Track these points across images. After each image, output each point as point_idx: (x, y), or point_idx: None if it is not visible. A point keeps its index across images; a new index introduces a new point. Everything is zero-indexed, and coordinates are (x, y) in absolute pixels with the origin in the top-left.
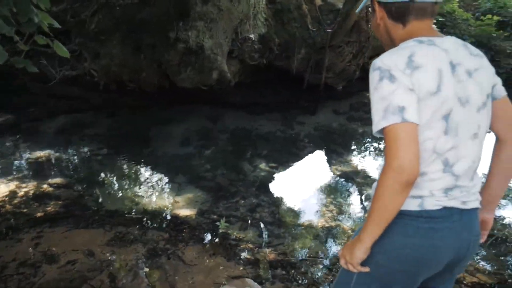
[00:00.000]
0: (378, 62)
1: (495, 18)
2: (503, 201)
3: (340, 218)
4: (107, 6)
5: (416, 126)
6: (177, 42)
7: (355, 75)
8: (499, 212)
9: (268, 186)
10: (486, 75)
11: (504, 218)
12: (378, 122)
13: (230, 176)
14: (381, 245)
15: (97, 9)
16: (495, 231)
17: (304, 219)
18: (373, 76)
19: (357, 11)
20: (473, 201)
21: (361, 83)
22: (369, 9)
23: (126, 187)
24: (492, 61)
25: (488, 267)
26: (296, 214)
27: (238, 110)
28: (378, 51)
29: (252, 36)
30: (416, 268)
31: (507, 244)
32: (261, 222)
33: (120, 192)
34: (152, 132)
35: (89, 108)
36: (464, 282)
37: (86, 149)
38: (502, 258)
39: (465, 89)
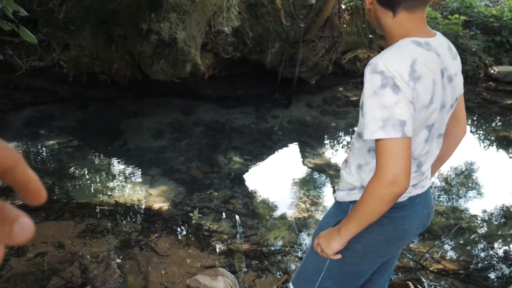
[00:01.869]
0: (380, 65)
1: (462, 17)
2: (469, 194)
3: (313, 210)
4: None
5: (411, 140)
6: (150, 33)
7: (328, 70)
8: (464, 203)
9: (242, 178)
10: (461, 79)
11: (469, 209)
12: (376, 131)
13: (204, 168)
14: (359, 236)
15: None
16: (461, 221)
17: (278, 210)
18: (374, 79)
19: None
20: (428, 182)
21: (334, 77)
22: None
23: (98, 180)
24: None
25: (453, 255)
26: (269, 205)
27: (212, 103)
28: (350, 47)
29: (225, 29)
30: (386, 250)
31: (471, 234)
32: (234, 213)
33: (91, 184)
34: (124, 125)
35: (58, 100)
36: (430, 268)
37: (55, 142)
38: (467, 246)
39: (445, 95)
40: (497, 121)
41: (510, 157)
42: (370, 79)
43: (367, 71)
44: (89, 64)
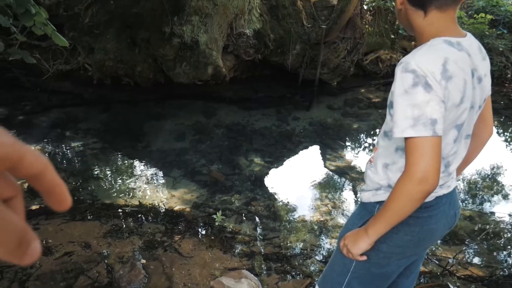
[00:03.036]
0: (412, 64)
1: (488, 16)
2: (495, 198)
3: (334, 213)
4: (100, 0)
5: (441, 139)
6: (172, 37)
7: (350, 71)
8: (492, 208)
9: (263, 181)
10: (489, 80)
11: (495, 213)
12: (406, 129)
13: (225, 170)
14: (386, 237)
15: (91, 2)
16: (488, 226)
17: (299, 213)
18: (406, 78)
19: None
20: (454, 182)
21: (356, 79)
22: (363, 5)
23: (121, 181)
24: None
25: (480, 261)
26: (291, 208)
27: (233, 105)
28: (372, 48)
29: (247, 31)
30: (413, 251)
31: (499, 238)
32: (256, 216)
33: (115, 186)
34: (146, 127)
35: (83, 102)
36: (457, 275)
37: (80, 143)
38: (494, 252)
39: (475, 96)
40: None
41: None
42: (401, 78)
43: (399, 69)
44: (113, 67)
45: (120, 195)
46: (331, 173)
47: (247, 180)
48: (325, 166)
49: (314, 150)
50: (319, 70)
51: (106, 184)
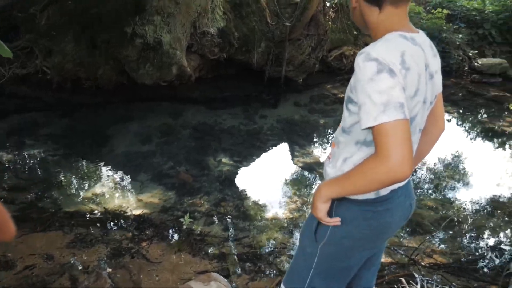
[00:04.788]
0: (373, 53)
1: (445, 11)
2: (457, 186)
3: (304, 209)
4: (58, 1)
5: (409, 123)
6: (134, 37)
7: (315, 68)
8: (453, 196)
9: (232, 180)
10: (440, 77)
11: (458, 201)
12: (378, 116)
13: (193, 172)
14: (346, 231)
15: (47, 3)
16: (450, 213)
17: (269, 211)
18: (368, 66)
19: None
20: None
21: (321, 75)
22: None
23: (86, 187)
24: (444, 52)
25: (444, 248)
26: (261, 206)
27: (200, 105)
28: (336, 44)
29: (211, 30)
30: (372, 243)
31: (461, 225)
32: (226, 216)
33: (79, 193)
34: (111, 130)
35: (42, 107)
36: (422, 263)
37: (41, 150)
38: (457, 239)
39: (427, 91)
40: (483, 113)
41: (496, 148)
42: (365, 67)
43: (360, 59)
44: (73, 70)
45: (84, 202)
46: (299, 169)
47: (216, 180)
48: (293, 163)
49: (282, 148)
50: (284, 67)
51: (69, 191)
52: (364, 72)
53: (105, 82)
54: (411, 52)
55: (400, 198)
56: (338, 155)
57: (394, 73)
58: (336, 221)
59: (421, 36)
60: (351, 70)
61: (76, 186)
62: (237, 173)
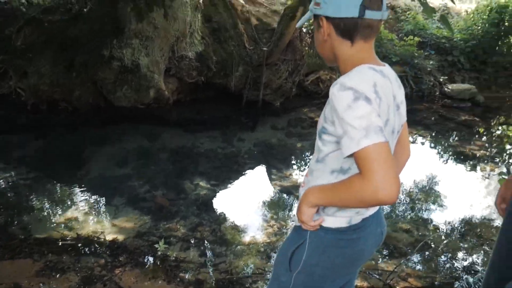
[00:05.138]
0: (348, 83)
1: (416, 39)
2: (431, 207)
3: (281, 233)
4: (34, 22)
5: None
6: (112, 60)
7: (292, 92)
8: (427, 219)
9: (210, 204)
10: (405, 108)
11: (432, 224)
12: (360, 140)
13: (170, 195)
14: (321, 260)
15: (23, 24)
16: (424, 237)
17: (246, 235)
18: (345, 95)
19: (297, 25)
20: None
21: (298, 99)
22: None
23: (58, 212)
24: (416, 77)
25: (419, 271)
26: (238, 231)
27: (178, 128)
28: (313, 69)
29: (189, 54)
30: (346, 271)
31: (435, 248)
32: (202, 241)
33: (51, 218)
34: (86, 153)
35: (16, 129)
36: (398, 287)
37: (12, 174)
38: (432, 262)
39: (395, 121)
40: (454, 136)
41: (467, 171)
42: (341, 96)
43: (335, 89)
44: (49, 92)
45: (56, 228)
46: (276, 193)
47: (193, 204)
48: (271, 187)
49: (260, 171)
50: (262, 91)
51: (41, 216)
52: (341, 101)
53: (82, 104)
54: (381, 83)
55: (372, 226)
56: (311, 183)
57: (370, 100)
58: (317, 224)
59: (388, 69)
60: (327, 94)
61: (48, 211)
62: (214, 197)
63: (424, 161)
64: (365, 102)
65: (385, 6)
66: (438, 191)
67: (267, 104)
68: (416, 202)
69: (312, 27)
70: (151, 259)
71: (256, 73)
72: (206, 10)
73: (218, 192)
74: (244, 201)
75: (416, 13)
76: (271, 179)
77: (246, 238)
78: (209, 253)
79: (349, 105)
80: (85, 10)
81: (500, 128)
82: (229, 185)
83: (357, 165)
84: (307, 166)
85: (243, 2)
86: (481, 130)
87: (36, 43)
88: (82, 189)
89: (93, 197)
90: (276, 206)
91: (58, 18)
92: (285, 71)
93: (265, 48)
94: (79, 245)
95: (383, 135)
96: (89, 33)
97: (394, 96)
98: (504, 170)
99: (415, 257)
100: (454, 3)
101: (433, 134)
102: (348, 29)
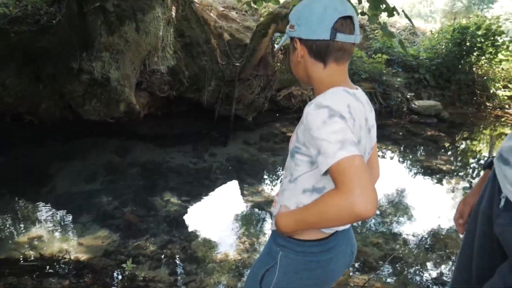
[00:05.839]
0: (324, 102)
1: (384, 56)
2: (400, 222)
3: (253, 249)
4: (0, 32)
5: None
6: (81, 73)
7: (264, 107)
8: (397, 230)
9: (180, 221)
10: (375, 130)
11: (401, 238)
12: (336, 153)
13: (139, 212)
14: (290, 282)
15: None
16: (393, 251)
17: (218, 253)
18: (321, 113)
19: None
20: None
21: (270, 114)
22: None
23: (21, 231)
24: (385, 93)
25: (389, 285)
26: (209, 248)
27: (149, 142)
28: (285, 84)
29: (161, 68)
30: None
31: (405, 261)
32: (172, 259)
33: (12, 237)
34: (52, 169)
35: None
36: None
37: None
38: (401, 275)
39: (366, 143)
40: (421, 151)
41: (434, 185)
42: (316, 114)
43: (311, 108)
44: (13, 104)
45: (18, 248)
46: (248, 209)
47: (163, 221)
48: (243, 203)
49: (231, 187)
50: (234, 106)
51: (1, 236)
52: (316, 118)
53: (49, 117)
54: (354, 106)
55: (342, 246)
56: (283, 203)
57: (345, 118)
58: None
59: (360, 92)
60: (299, 109)
61: (10, 230)
62: (185, 213)
63: (393, 175)
64: (339, 119)
65: (358, 30)
66: (407, 205)
67: (239, 119)
68: (386, 215)
69: (284, 43)
70: (118, 279)
71: (229, 88)
72: (178, 25)
73: (189, 208)
74: (215, 217)
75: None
76: (243, 195)
77: (218, 255)
78: (179, 271)
79: (324, 121)
80: (54, 21)
81: (464, 143)
82: (201, 201)
83: (333, 179)
84: (279, 181)
85: (216, 18)
86: (447, 144)
87: (1, 54)
88: (47, 206)
89: (58, 214)
90: (248, 222)
91: (25, 29)
92: (258, 86)
93: (237, 64)
94: (42, 265)
95: (358, 149)
96: (58, 45)
97: (366, 119)
98: (467, 185)
99: (385, 271)
100: (412, 23)
101: (402, 149)
102: (320, 51)
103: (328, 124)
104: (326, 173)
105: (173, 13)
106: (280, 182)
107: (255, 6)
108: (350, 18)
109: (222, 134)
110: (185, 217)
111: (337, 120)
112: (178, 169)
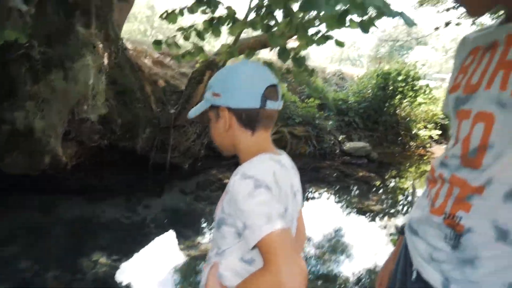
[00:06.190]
0: (249, 172)
1: (316, 101)
2: (338, 260)
3: None
4: None
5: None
6: (1, 123)
7: (200, 154)
8: (337, 270)
9: (110, 283)
10: (301, 195)
11: (338, 276)
12: (262, 227)
13: (64, 277)
14: None
15: None
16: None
17: None
18: (246, 184)
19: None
20: None
21: (207, 160)
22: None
23: None
24: (318, 136)
25: None
26: None
27: (76, 196)
28: None
29: (91, 117)
30: None
31: None
32: None
33: None
34: None
35: None
36: None
37: None
38: None
39: (293, 210)
40: (354, 192)
41: (367, 224)
42: (241, 184)
43: (237, 178)
44: None
45: None
46: (185, 263)
47: (91, 285)
48: (179, 257)
49: (167, 240)
50: (169, 153)
51: None
52: (241, 190)
53: None
54: (279, 173)
55: None
56: (223, 270)
57: (270, 189)
58: None
59: (285, 157)
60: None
61: None
62: (115, 274)
63: (328, 218)
64: (265, 190)
65: (280, 97)
66: (344, 244)
67: (175, 166)
68: (325, 253)
69: None
70: None
71: (164, 135)
72: (111, 72)
73: (120, 268)
74: (148, 275)
75: (316, 77)
76: (179, 249)
77: None
78: None
79: (249, 193)
80: None
81: (392, 181)
82: (133, 259)
83: (261, 254)
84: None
85: (151, 65)
86: (378, 183)
87: None
88: None
89: None
90: (183, 279)
91: None
92: (193, 133)
93: (172, 111)
94: None
95: (284, 222)
96: None
97: (291, 185)
98: (395, 229)
99: None
100: (342, 46)
101: (336, 190)
102: (250, 119)
103: (253, 195)
104: (254, 247)
105: (105, 60)
106: (207, 254)
107: (182, 60)
108: (274, 85)
109: (157, 184)
110: (116, 279)
111: (263, 191)
112: (109, 225)
